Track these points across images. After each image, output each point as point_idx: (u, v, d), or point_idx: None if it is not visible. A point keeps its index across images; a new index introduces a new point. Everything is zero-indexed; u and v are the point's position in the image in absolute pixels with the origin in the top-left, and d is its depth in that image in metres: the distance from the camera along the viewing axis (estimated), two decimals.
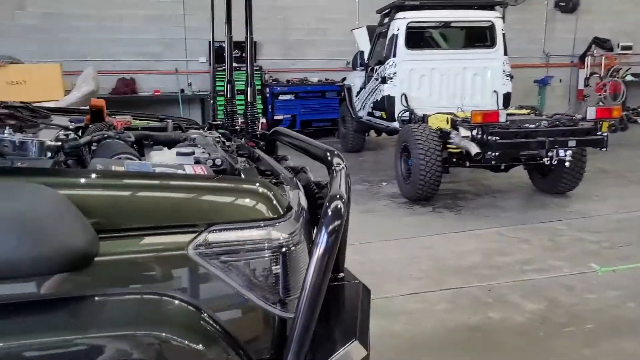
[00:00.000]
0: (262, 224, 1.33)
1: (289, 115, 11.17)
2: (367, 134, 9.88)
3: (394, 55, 7.70)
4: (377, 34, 8.64)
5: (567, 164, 5.52)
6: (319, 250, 1.27)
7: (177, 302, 1.27)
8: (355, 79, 9.28)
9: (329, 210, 1.30)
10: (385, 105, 7.89)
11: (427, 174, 6.15)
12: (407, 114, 7.56)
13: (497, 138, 5.39)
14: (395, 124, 7.69)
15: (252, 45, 3.70)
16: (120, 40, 10.57)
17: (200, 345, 1.25)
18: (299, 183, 1.93)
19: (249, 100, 3.77)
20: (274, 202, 1.37)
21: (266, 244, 1.33)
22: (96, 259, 1.21)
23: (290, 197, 1.56)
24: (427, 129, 6.35)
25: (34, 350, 1.18)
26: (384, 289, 4.07)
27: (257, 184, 1.41)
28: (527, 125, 5.62)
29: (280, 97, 11.11)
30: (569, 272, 4.38)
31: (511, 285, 4.14)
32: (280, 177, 1.80)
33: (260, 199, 1.36)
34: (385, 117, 8.04)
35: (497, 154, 5.42)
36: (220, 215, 1.32)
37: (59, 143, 1.85)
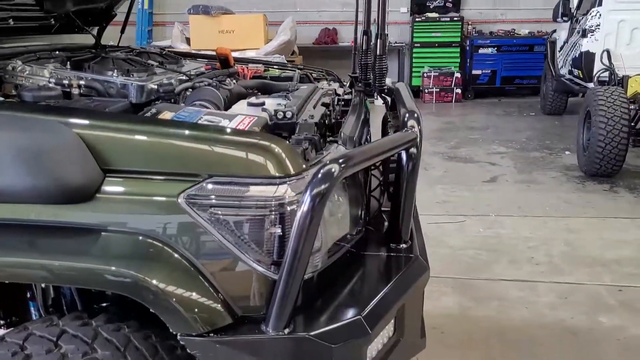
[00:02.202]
0: (263, 181, 1.28)
1: (488, 71, 10.40)
2: (570, 95, 8.69)
3: (599, 4, 6.55)
4: None
5: None
6: (299, 213, 1.21)
7: (161, 246, 1.30)
8: (561, 32, 8.18)
9: (319, 172, 1.23)
10: (582, 62, 6.84)
11: (607, 146, 5.25)
12: (607, 74, 6.44)
13: None
14: (592, 85, 6.62)
15: None
16: None
17: (179, 292, 1.27)
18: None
19: (378, 52, 3.64)
20: (283, 160, 1.30)
21: (265, 202, 1.28)
22: (97, 195, 1.30)
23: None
24: (616, 93, 5.36)
25: (27, 269, 1.33)
26: (491, 268, 3.71)
27: (267, 140, 1.35)
28: None
29: (481, 51, 10.37)
30: None
31: None
32: (337, 136, 1.74)
33: (265, 155, 1.30)
34: (582, 76, 6.99)
35: None
36: (219, 168, 1.30)
37: (156, 87, 1.99)
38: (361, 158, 1.37)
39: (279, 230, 1.29)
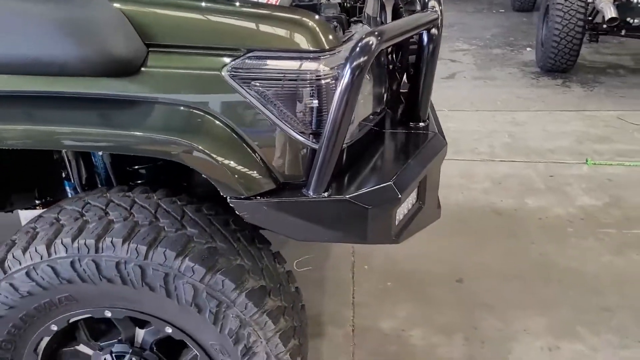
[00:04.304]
0: (300, 56, 1.34)
1: None
2: None
3: None
4: None
5: None
6: (340, 85, 1.29)
7: (209, 117, 1.36)
8: None
9: (358, 45, 1.28)
10: None
11: (562, 40, 5.33)
12: None
13: None
14: None
15: None
16: None
17: (226, 158, 1.36)
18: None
19: None
20: (318, 35, 1.35)
21: (301, 75, 1.34)
22: (143, 69, 1.34)
23: (359, 35, 1.56)
24: None
25: (84, 138, 1.40)
26: None
27: (303, 16, 1.39)
28: None
29: None
30: None
31: (582, 175, 3.65)
32: (361, 16, 1.81)
33: (302, 30, 1.35)
34: None
35: (637, 21, 4.41)
36: (259, 42, 1.35)
37: None
38: (395, 32, 1.42)
39: (316, 102, 1.36)
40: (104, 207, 1.49)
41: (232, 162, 1.35)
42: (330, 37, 1.37)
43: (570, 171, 3.72)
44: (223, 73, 1.33)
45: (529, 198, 3.39)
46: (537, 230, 3.06)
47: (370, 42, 1.29)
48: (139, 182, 1.82)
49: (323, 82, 1.34)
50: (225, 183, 1.37)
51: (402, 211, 1.52)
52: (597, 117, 4.62)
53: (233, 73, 1.33)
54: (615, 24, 4.67)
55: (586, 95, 5.17)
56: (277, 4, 1.62)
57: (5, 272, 1.45)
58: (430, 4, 1.67)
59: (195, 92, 1.36)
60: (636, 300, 2.52)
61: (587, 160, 3.81)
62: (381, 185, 1.43)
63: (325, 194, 1.39)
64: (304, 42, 1.33)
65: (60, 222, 1.47)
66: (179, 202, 1.55)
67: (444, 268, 2.76)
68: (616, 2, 4.68)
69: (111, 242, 1.39)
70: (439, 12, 1.66)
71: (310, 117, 1.37)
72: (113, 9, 1.31)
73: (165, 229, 1.45)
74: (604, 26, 5.31)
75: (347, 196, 1.39)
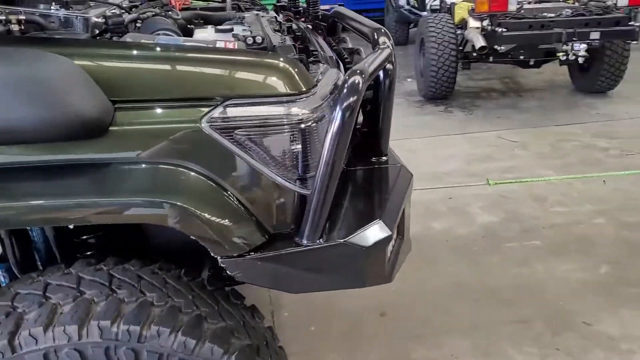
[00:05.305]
0: (280, 100, 1.28)
1: (336, 5, 10.57)
2: (413, 25, 9.16)
3: None
4: None
5: (580, 59, 4.80)
6: (332, 127, 1.23)
7: (191, 173, 1.27)
8: None
9: (345, 85, 1.24)
10: None
11: (439, 70, 5.68)
12: (438, 2, 6.86)
13: (504, 30, 4.77)
14: (425, 14, 7.04)
15: None
16: None
17: (214, 216, 1.27)
18: (340, 63, 1.88)
19: None
20: (295, 77, 1.30)
21: (283, 120, 1.28)
22: (111, 128, 1.23)
23: (324, 75, 1.51)
24: (444, 20, 5.76)
25: (52, 210, 1.25)
26: None
27: (277, 59, 1.33)
28: (545, 14, 4.90)
29: None
30: (552, 182, 3.97)
31: (477, 195, 3.84)
32: (318, 56, 1.74)
33: (279, 74, 1.29)
34: (417, 6, 7.40)
35: (502, 48, 4.82)
36: (236, 89, 1.28)
37: (103, 20, 1.80)
38: (372, 69, 1.40)
39: (299, 146, 1.31)
40: (136, 285, 1.31)
41: (220, 219, 1.27)
42: (306, 78, 1.33)
43: (469, 191, 3.90)
44: (202, 125, 1.25)
45: (434, 222, 3.49)
46: (447, 252, 3.16)
47: (357, 81, 1.26)
48: (88, 253, 1.62)
49: (304, 125, 1.30)
50: (215, 242, 1.28)
51: (390, 247, 1.50)
52: (480, 138, 4.93)
53: (212, 123, 1.25)
54: (485, 52, 5.06)
55: (467, 119, 5.52)
56: (235, 48, 1.56)
57: (14, 351, 1.23)
58: (381, 40, 1.69)
59: (172, 146, 1.26)
60: (545, 309, 2.65)
61: (487, 181, 4.01)
62: (372, 223, 1.40)
63: (321, 241, 1.34)
64: (281, 85, 1.28)
65: (86, 295, 1.27)
66: (208, 287, 1.41)
67: (365, 303, 2.73)
68: (483, 32, 5.08)
69: (157, 331, 1.22)
70: (391, 47, 1.67)
71: (295, 161, 1.32)
72: (73, 66, 1.20)
73: (208, 320, 1.30)
74: (474, 54, 5.75)
75: (342, 240, 1.35)
